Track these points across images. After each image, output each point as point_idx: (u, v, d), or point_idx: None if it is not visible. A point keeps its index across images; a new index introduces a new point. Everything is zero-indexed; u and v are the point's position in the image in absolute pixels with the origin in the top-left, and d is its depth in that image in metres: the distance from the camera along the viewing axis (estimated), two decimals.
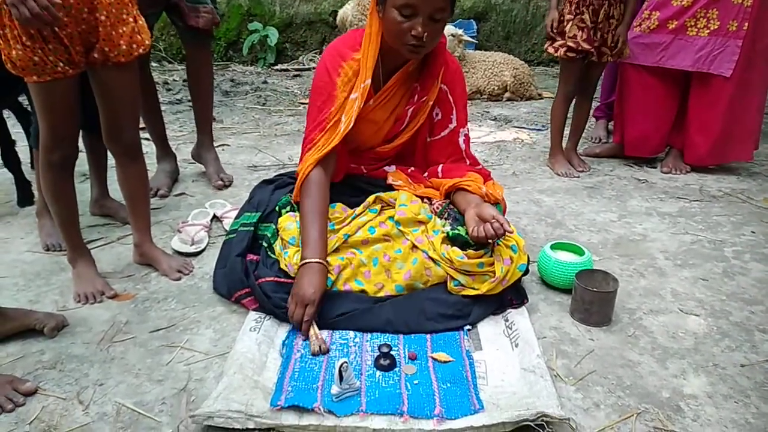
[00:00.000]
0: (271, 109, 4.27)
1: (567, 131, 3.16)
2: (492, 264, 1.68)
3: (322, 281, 1.62)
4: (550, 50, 2.88)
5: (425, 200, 1.92)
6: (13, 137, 2.51)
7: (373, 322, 1.64)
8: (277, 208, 1.95)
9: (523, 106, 4.54)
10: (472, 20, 5.76)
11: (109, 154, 2.07)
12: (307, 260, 1.64)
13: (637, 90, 3.08)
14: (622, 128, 3.23)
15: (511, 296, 1.75)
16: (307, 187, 1.77)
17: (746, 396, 1.46)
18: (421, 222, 1.81)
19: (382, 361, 1.50)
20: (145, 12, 1.75)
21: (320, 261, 1.64)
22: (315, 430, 1.30)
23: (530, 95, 4.75)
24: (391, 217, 1.82)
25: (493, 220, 1.64)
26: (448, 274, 1.71)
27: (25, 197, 2.49)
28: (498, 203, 1.88)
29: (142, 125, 2.24)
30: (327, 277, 1.66)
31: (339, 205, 1.89)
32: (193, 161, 3.03)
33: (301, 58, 5.83)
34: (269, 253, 1.83)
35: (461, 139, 1.98)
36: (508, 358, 1.55)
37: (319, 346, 1.54)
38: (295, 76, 5.41)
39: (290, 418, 1.30)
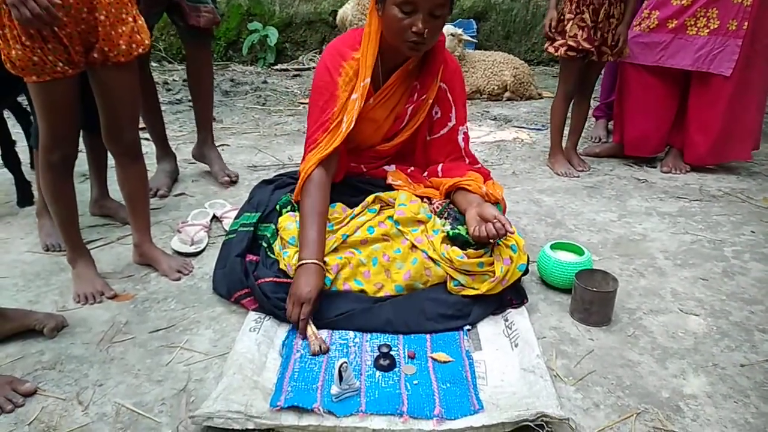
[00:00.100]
0: (270, 109, 4.27)
1: (567, 131, 3.16)
2: (492, 264, 1.68)
3: (318, 281, 1.62)
4: (551, 50, 2.88)
5: (425, 200, 1.92)
6: (13, 137, 2.51)
7: (373, 322, 1.64)
8: (277, 208, 1.95)
9: (522, 106, 4.54)
10: (471, 20, 5.76)
11: (109, 154, 2.07)
12: (304, 261, 1.64)
13: (636, 89, 3.08)
14: (621, 128, 3.23)
15: (511, 296, 1.75)
16: (308, 187, 1.77)
17: (746, 396, 1.46)
18: (420, 222, 1.81)
19: (381, 362, 1.50)
20: (147, 12, 1.75)
21: (316, 262, 1.64)
22: (315, 430, 1.30)
23: (530, 95, 4.75)
24: (390, 217, 1.82)
25: (494, 220, 1.65)
26: (447, 273, 1.71)
27: (24, 197, 2.49)
28: (498, 203, 1.88)
29: (142, 125, 2.25)
30: (324, 277, 1.66)
31: (339, 205, 1.89)
32: (194, 161, 3.03)
33: (300, 57, 5.83)
34: (269, 253, 1.83)
35: (460, 137, 1.99)
36: (507, 358, 1.55)
37: (320, 346, 1.54)
38: (295, 75, 5.40)
39: (290, 419, 1.30)
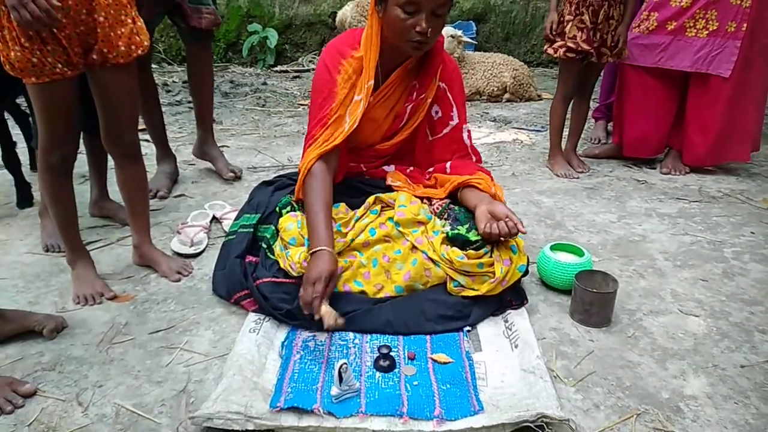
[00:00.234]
0: (270, 110, 4.27)
1: (566, 132, 3.16)
2: (492, 265, 1.68)
3: (330, 264, 1.59)
4: (550, 51, 2.88)
5: (425, 201, 1.92)
6: (13, 139, 2.52)
7: (373, 323, 1.64)
8: (277, 209, 1.95)
9: (522, 107, 4.54)
10: (471, 21, 5.76)
11: (108, 155, 2.07)
12: (314, 249, 1.63)
13: (636, 91, 3.08)
14: (621, 129, 3.23)
15: (511, 297, 1.75)
16: (310, 181, 1.76)
17: (746, 397, 1.46)
18: (420, 223, 1.81)
19: (381, 362, 1.50)
20: (151, 14, 1.75)
21: (327, 249, 1.62)
22: (314, 431, 1.29)
23: (530, 96, 4.75)
24: (390, 218, 1.82)
25: (506, 219, 1.65)
26: (447, 274, 1.71)
27: (24, 199, 2.49)
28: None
29: (141, 126, 2.25)
30: (336, 262, 1.64)
31: (343, 206, 1.89)
32: (194, 163, 3.04)
33: (300, 59, 5.83)
34: (268, 254, 1.83)
35: (465, 135, 1.99)
36: (507, 359, 1.55)
37: (335, 320, 1.52)
38: (295, 77, 5.41)
39: (290, 420, 1.30)
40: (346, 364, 1.35)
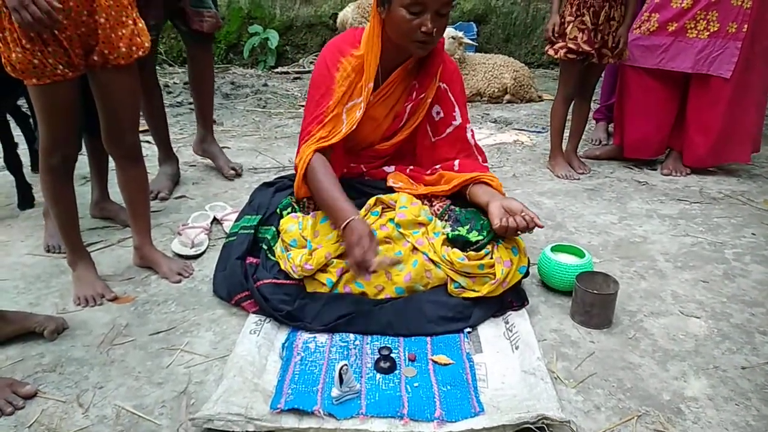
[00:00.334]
0: (271, 111, 4.27)
1: (567, 133, 3.16)
2: (492, 266, 1.68)
3: (365, 225, 1.61)
4: (551, 52, 2.88)
5: (425, 202, 1.92)
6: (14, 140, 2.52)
7: (374, 325, 1.64)
8: (278, 211, 1.95)
9: (523, 109, 4.55)
10: (472, 23, 5.76)
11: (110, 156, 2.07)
12: (344, 223, 1.62)
13: (637, 92, 3.08)
14: (622, 130, 3.23)
15: (512, 298, 1.75)
16: (312, 171, 1.76)
17: (747, 398, 1.46)
18: (421, 224, 1.81)
19: (382, 364, 1.50)
20: (161, 17, 1.74)
21: (355, 217, 1.63)
22: None
23: (530, 97, 4.75)
24: (391, 220, 1.82)
25: (522, 213, 1.65)
26: (448, 276, 1.71)
27: (25, 200, 2.49)
28: None
29: (143, 128, 2.25)
30: (369, 225, 1.64)
31: None
32: (194, 164, 3.05)
33: (301, 60, 5.84)
34: (269, 255, 1.83)
35: (469, 135, 1.99)
36: (508, 361, 1.54)
37: (391, 261, 1.56)
38: (296, 78, 5.41)
39: (290, 421, 1.30)
40: (346, 365, 1.35)
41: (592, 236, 2.36)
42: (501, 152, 3.46)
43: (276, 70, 5.66)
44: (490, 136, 3.78)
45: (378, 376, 1.47)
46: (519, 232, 1.69)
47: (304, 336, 1.63)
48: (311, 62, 5.75)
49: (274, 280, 1.72)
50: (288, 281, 1.72)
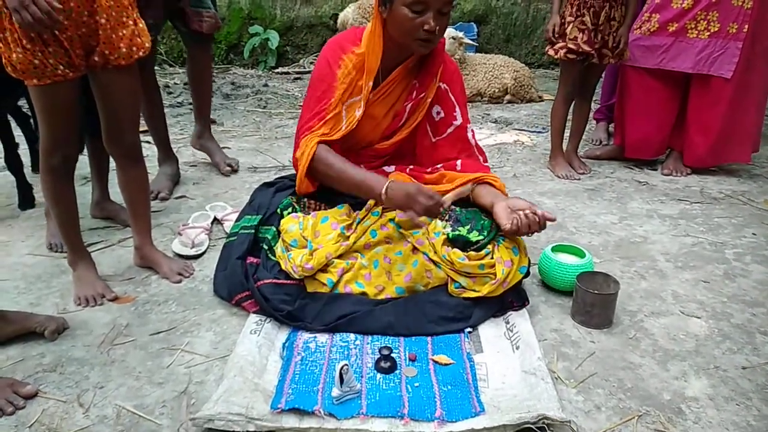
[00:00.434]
0: (271, 111, 4.27)
1: (568, 134, 3.16)
2: (493, 266, 1.68)
3: (405, 180, 1.68)
4: (551, 52, 2.88)
5: None
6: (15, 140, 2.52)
7: (374, 325, 1.64)
8: (278, 211, 1.94)
9: (523, 109, 4.55)
10: (472, 23, 5.76)
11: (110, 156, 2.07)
12: (383, 188, 1.67)
13: (637, 92, 3.08)
14: (622, 130, 3.23)
15: (512, 298, 1.75)
16: (321, 158, 1.77)
17: (748, 398, 1.46)
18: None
19: (382, 364, 1.50)
20: (161, 17, 1.75)
21: (389, 181, 1.68)
22: None
23: (531, 98, 4.75)
24: (392, 220, 1.81)
25: (530, 211, 1.65)
26: (448, 276, 1.71)
27: (26, 200, 2.49)
28: None
29: (143, 128, 2.25)
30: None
31: (346, 206, 1.88)
32: (195, 164, 3.05)
33: (301, 61, 5.84)
34: (269, 255, 1.83)
35: (470, 135, 1.99)
36: (508, 361, 1.54)
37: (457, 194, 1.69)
38: (296, 79, 5.41)
39: (291, 421, 1.30)
40: (347, 365, 1.35)
41: (593, 236, 2.36)
42: (501, 152, 3.46)
43: (276, 70, 5.66)
44: (491, 136, 3.78)
45: (378, 376, 1.47)
46: (530, 234, 1.68)
47: (304, 336, 1.63)
48: (312, 62, 5.75)
49: (274, 280, 1.72)
50: (288, 281, 1.72)
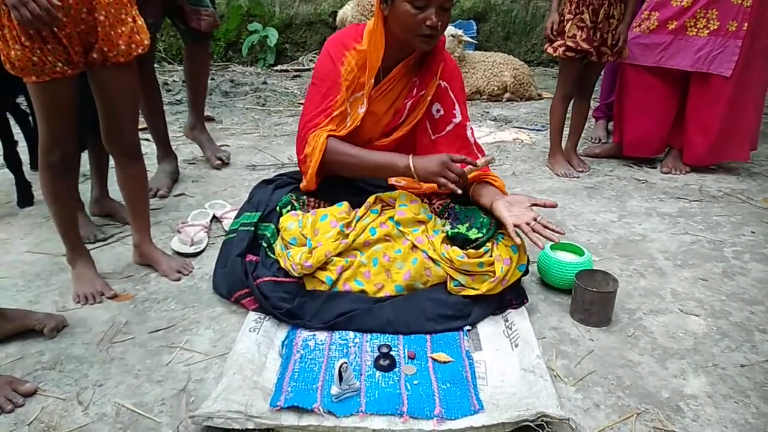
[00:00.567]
0: (270, 109, 4.27)
1: (567, 132, 3.16)
2: (492, 264, 1.68)
3: (429, 155, 1.78)
4: (549, 50, 2.88)
5: (425, 200, 1.92)
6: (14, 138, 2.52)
7: (373, 323, 1.64)
8: (277, 209, 1.94)
9: (522, 107, 4.54)
10: (471, 21, 5.76)
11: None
12: (410, 159, 1.74)
13: (636, 90, 3.08)
14: (621, 129, 3.23)
15: (511, 296, 1.75)
16: (334, 149, 1.80)
17: (746, 396, 1.46)
18: (421, 222, 1.81)
19: (381, 362, 1.50)
20: (160, 16, 1.76)
21: (411, 157, 1.75)
22: (315, 430, 1.30)
23: (530, 96, 4.75)
24: (391, 218, 1.82)
25: (535, 225, 1.65)
26: (447, 274, 1.71)
27: (25, 198, 2.49)
28: None
29: (142, 126, 2.25)
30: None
31: (346, 204, 1.88)
32: (194, 162, 3.05)
33: (300, 58, 5.83)
34: (269, 253, 1.83)
35: (469, 133, 1.99)
36: (507, 359, 1.55)
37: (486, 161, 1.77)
38: (295, 76, 5.40)
39: (290, 419, 1.30)
40: (346, 363, 1.35)
41: (592, 234, 2.36)
42: (501, 150, 3.45)
43: (275, 67, 5.65)
44: (490, 134, 3.78)
45: (377, 373, 1.48)
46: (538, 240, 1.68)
47: (303, 334, 1.63)
48: (311, 60, 5.75)
49: (273, 278, 1.72)
50: (288, 279, 1.72)
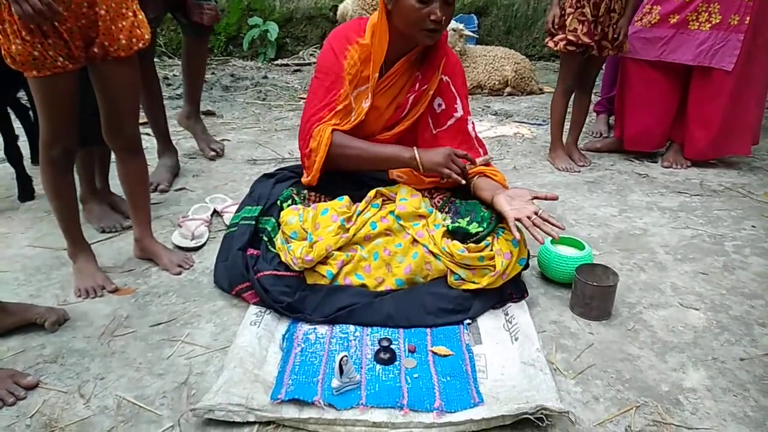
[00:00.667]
0: (271, 104, 4.26)
1: (568, 126, 3.15)
2: (492, 258, 1.68)
3: (431, 148, 1.82)
4: (550, 44, 2.87)
5: (426, 194, 1.93)
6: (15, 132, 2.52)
7: (374, 317, 1.65)
8: (278, 203, 1.95)
9: (523, 101, 4.54)
10: (473, 15, 5.75)
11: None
12: (415, 150, 1.79)
13: (638, 84, 3.07)
14: (622, 123, 3.23)
15: (511, 290, 1.75)
16: (340, 143, 1.81)
17: (745, 389, 1.47)
18: (421, 216, 1.81)
19: (382, 355, 1.50)
20: (160, 11, 1.77)
21: (415, 149, 1.80)
22: (315, 423, 1.30)
23: (531, 90, 4.74)
24: (392, 212, 1.82)
25: (536, 219, 1.65)
26: (448, 268, 1.71)
27: (25, 192, 2.49)
28: None
29: (143, 120, 2.25)
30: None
31: (346, 198, 1.88)
32: (194, 156, 3.05)
33: (301, 53, 5.82)
34: (269, 247, 1.83)
35: (470, 127, 1.99)
36: (507, 352, 1.55)
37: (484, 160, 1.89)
38: (296, 71, 5.40)
39: (290, 412, 1.31)
40: (346, 356, 1.35)
41: (592, 228, 2.36)
42: (501, 145, 3.45)
43: (276, 62, 5.65)
44: (491, 128, 3.78)
45: (378, 367, 1.48)
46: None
47: (304, 327, 1.63)
48: (311, 54, 5.74)
49: (274, 272, 1.72)
50: (288, 273, 1.72)
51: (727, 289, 1.94)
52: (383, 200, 1.89)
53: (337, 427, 1.30)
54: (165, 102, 2.80)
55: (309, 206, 1.88)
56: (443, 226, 1.78)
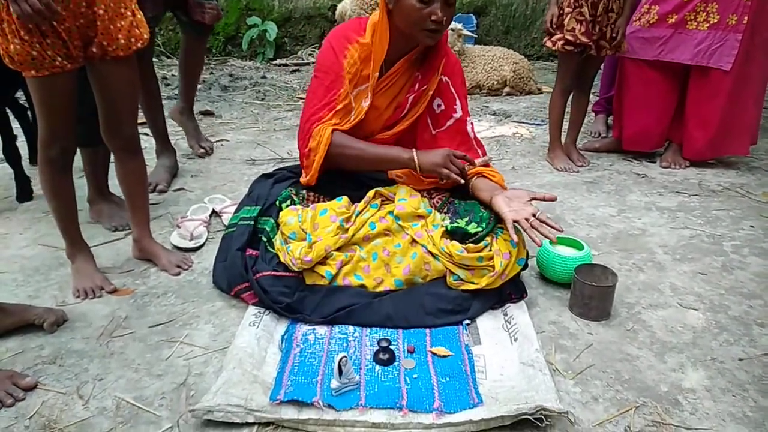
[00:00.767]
0: (270, 104, 4.26)
1: (566, 126, 3.15)
2: (491, 258, 1.68)
3: (431, 150, 1.83)
4: (549, 44, 2.87)
5: (425, 195, 1.92)
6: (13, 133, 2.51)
7: (373, 317, 1.65)
8: (277, 203, 1.94)
9: (522, 101, 4.54)
10: (471, 14, 5.75)
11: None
12: (413, 152, 1.79)
13: (636, 84, 3.07)
14: (621, 123, 3.23)
15: (510, 291, 1.75)
16: (339, 143, 1.81)
17: (744, 390, 1.47)
18: (420, 216, 1.81)
19: (381, 356, 1.50)
20: (160, 9, 1.78)
21: (413, 151, 1.80)
22: (314, 424, 1.30)
23: (530, 90, 4.74)
24: (391, 212, 1.82)
25: (534, 221, 1.64)
26: (447, 268, 1.71)
27: (24, 193, 2.49)
28: None
29: (141, 120, 2.25)
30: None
31: (345, 199, 1.88)
32: (192, 157, 3.05)
33: (300, 52, 5.82)
34: (268, 247, 1.83)
35: (469, 128, 1.99)
36: (506, 353, 1.55)
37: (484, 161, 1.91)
38: (294, 71, 5.39)
39: (289, 412, 1.30)
40: (345, 357, 1.35)
41: (591, 229, 2.36)
42: (500, 145, 3.45)
43: (275, 62, 5.64)
44: (490, 128, 3.78)
45: (377, 367, 1.48)
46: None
47: (303, 328, 1.63)
48: (310, 54, 5.74)
49: (273, 273, 1.72)
50: (287, 273, 1.72)
51: (726, 289, 1.94)
52: (382, 200, 1.88)
53: (336, 428, 1.30)
54: (164, 102, 2.80)
55: (308, 207, 1.88)
56: (442, 226, 1.78)
